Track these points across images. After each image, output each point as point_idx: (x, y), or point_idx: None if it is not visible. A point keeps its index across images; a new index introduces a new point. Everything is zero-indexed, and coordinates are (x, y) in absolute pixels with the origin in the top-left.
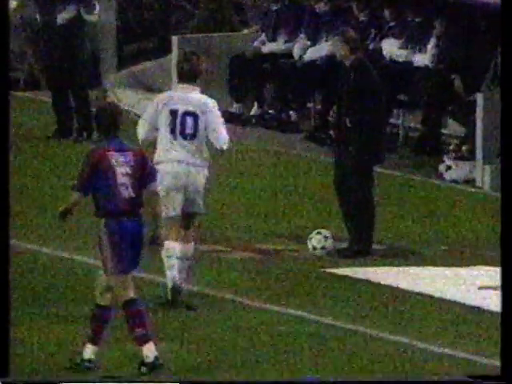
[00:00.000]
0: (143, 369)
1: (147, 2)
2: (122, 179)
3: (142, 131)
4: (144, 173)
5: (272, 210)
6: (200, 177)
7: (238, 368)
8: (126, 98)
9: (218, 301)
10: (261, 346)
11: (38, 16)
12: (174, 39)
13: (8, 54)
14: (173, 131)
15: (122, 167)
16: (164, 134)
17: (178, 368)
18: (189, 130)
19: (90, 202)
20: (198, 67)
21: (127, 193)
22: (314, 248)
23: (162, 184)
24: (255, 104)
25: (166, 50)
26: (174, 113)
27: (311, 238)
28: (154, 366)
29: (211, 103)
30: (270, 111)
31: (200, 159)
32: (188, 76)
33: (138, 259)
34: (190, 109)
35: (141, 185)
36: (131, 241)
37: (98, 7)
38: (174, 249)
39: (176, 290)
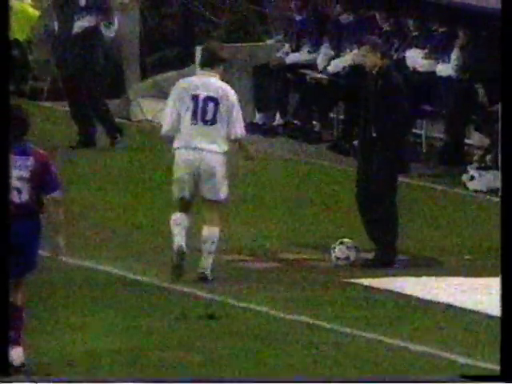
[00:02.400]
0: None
1: (171, 12)
2: (15, 183)
3: (165, 124)
4: (45, 178)
5: (295, 219)
6: (215, 163)
7: (259, 377)
8: (149, 107)
9: (240, 310)
10: (284, 355)
11: (55, 24)
12: (198, 49)
13: (9, 53)
14: (194, 116)
15: (18, 171)
16: (185, 120)
17: (201, 377)
18: (210, 115)
19: (112, 214)
20: (217, 54)
21: (19, 197)
22: (337, 258)
23: (175, 168)
24: (278, 114)
25: (189, 59)
26: (195, 98)
27: (334, 248)
28: (17, 371)
29: (230, 91)
30: (294, 121)
31: (217, 145)
32: (207, 62)
33: (26, 265)
34: (211, 94)
35: (40, 190)
36: (16, 245)
37: (116, 23)
38: (180, 219)
39: (180, 255)
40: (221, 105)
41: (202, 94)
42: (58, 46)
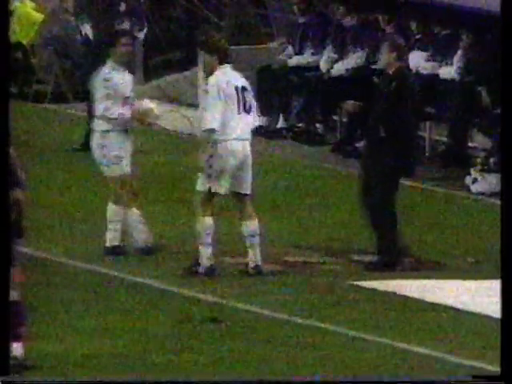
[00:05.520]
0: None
1: (174, 15)
2: None
3: (215, 121)
4: None
5: (299, 222)
6: (250, 153)
7: (263, 379)
8: None
9: (244, 313)
10: (288, 358)
11: (88, 30)
12: (201, 52)
13: (8, 53)
14: (238, 106)
15: None
16: (232, 111)
17: (204, 380)
18: (248, 105)
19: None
20: (228, 50)
21: None
22: None
23: (218, 161)
24: (281, 117)
25: (191, 62)
26: (237, 88)
27: None
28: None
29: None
30: (298, 124)
31: (251, 135)
32: (225, 58)
33: None
34: (244, 84)
35: None
36: None
37: (146, 25)
38: (208, 225)
39: (208, 272)
40: (248, 94)
41: (240, 85)
42: (94, 50)
